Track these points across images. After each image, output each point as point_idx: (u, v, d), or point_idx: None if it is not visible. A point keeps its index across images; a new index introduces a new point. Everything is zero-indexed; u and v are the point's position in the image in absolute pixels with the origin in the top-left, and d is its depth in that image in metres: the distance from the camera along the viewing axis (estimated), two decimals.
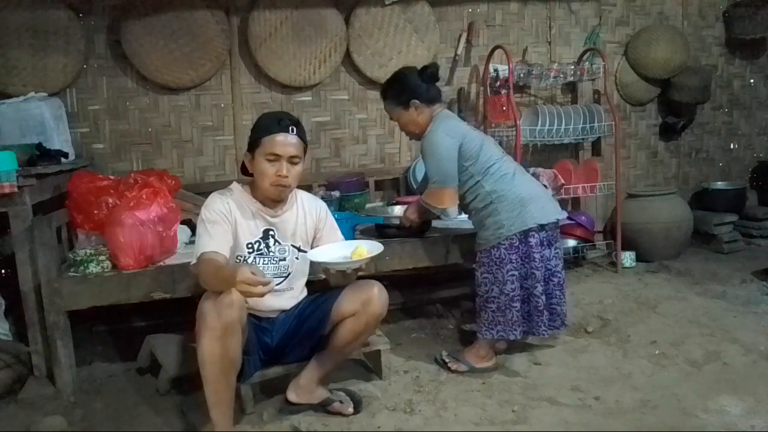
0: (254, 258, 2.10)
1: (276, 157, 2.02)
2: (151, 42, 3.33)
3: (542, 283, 2.48)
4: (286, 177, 2.03)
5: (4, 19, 3.14)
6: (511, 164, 2.57)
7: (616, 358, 2.62)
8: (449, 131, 2.48)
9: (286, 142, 2.02)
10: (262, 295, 1.71)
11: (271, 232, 2.13)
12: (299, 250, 2.19)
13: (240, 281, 1.68)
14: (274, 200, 2.13)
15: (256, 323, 2.12)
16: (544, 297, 2.48)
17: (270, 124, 2.05)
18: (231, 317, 1.79)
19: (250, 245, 2.10)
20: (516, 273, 2.45)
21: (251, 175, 2.11)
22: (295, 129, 2.06)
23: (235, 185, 2.15)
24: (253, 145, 2.06)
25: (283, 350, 2.20)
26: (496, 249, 2.45)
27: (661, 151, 4.60)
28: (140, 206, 2.42)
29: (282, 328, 2.18)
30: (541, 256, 2.47)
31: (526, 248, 2.45)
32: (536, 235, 2.45)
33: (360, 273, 2.12)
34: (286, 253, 2.16)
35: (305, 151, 2.12)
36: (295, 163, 2.06)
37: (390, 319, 3.18)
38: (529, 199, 2.45)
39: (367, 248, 2.06)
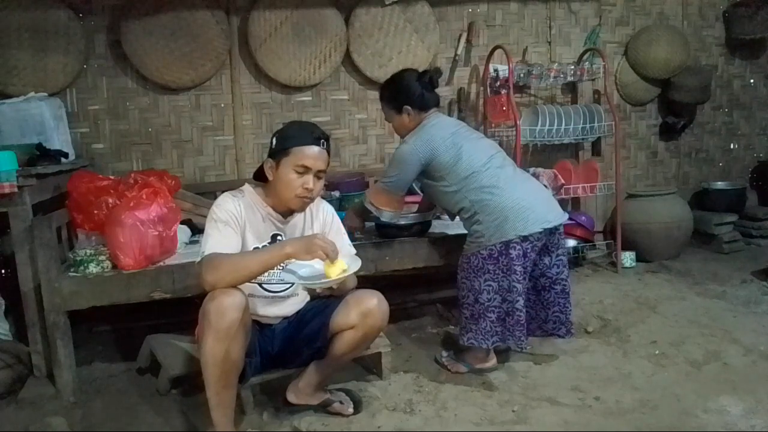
0: None
1: (305, 170, 1.97)
2: (151, 42, 3.33)
3: (524, 297, 2.40)
4: (312, 189, 1.99)
5: (4, 19, 3.15)
6: (498, 172, 2.43)
7: (616, 358, 2.62)
8: (421, 146, 2.44)
9: (317, 155, 1.99)
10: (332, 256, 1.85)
11: (279, 237, 2.09)
12: None
13: (318, 240, 1.84)
14: (291, 210, 2.08)
15: (260, 331, 2.11)
16: (524, 311, 2.40)
17: (302, 134, 2.00)
18: (234, 319, 1.78)
19: (257, 250, 2.07)
20: (494, 284, 2.38)
21: (265, 180, 2.07)
22: (325, 143, 2.03)
23: (246, 187, 2.11)
24: (280, 153, 1.98)
25: (282, 357, 2.18)
26: (474, 257, 2.41)
27: (661, 151, 4.60)
28: (140, 206, 2.42)
29: (282, 335, 2.16)
30: (524, 269, 2.38)
31: (506, 260, 2.35)
32: (518, 247, 2.34)
33: (360, 273, 2.09)
34: (293, 259, 2.13)
35: (328, 165, 2.08)
36: (321, 177, 2.03)
37: (390, 319, 3.17)
38: (512, 209, 2.35)
39: (345, 264, 1.95)
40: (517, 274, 2.35)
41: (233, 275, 1.83)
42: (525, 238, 2.35)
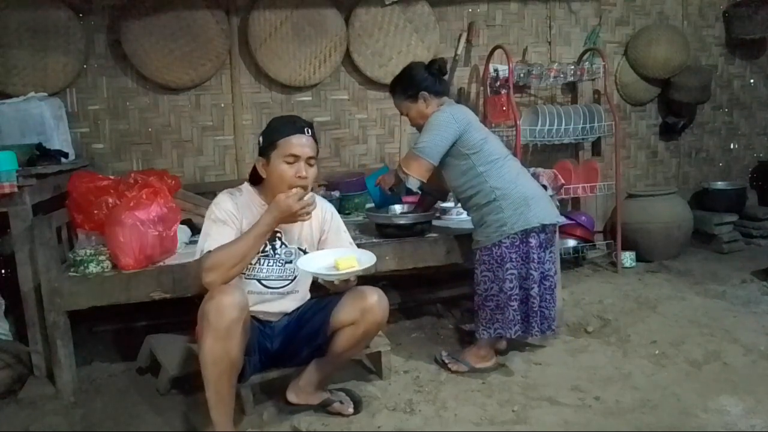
0: (259, 260, 2.07)
1: (295, 159, 1.98)
2: (151, 42, 3.34)
3: (538, 285, 2.49)
4: (306, 178, 2.00)
5: (4, 19, 3.15)
6: (516, 164, 2.57)
7: (616, 358, 2.62)
8: (456, 115, 2.47)
9: (304, 143, 2.00)
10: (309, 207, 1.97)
11: (278, 234, 2.10)
12: (305, 252, 2.14)
13: (294, 207, 1.91)
14: None
15: (259, 327, 2.11)
16: (538, 299, 2.49)
17: (285, 126, 2.02)
18: (233, 318, 1.79)
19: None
20: (515, 272, 2.46)
21: (260, 182, 2.09)
22: (309, 130, 2.04)
23: (246, 185, 2.12)
24: (268, 148, 2.00)
25: (282, 355, 2.18)
26: (497, 247, 2.45)
27: (661, 151, 4.60)
28: (140, 206, 2.42)
29: (282, 333, 2.16)
30: (539, 258, 2.48)
31: (526, 248, 2.45)
32: (537, 236, 2.45)
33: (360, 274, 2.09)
34: (293, 256, 2.13)
35: (317, 153, 2.10)
36: (312, 164, 2.03)
37: (390, 319, 3.15)
38: (533, 198, 2.46)
39: (358, 259, 1.99)
40: (534, 262, 2.46)
41: (232, 269, 1.89)
42: (543, 228, 2.47)
